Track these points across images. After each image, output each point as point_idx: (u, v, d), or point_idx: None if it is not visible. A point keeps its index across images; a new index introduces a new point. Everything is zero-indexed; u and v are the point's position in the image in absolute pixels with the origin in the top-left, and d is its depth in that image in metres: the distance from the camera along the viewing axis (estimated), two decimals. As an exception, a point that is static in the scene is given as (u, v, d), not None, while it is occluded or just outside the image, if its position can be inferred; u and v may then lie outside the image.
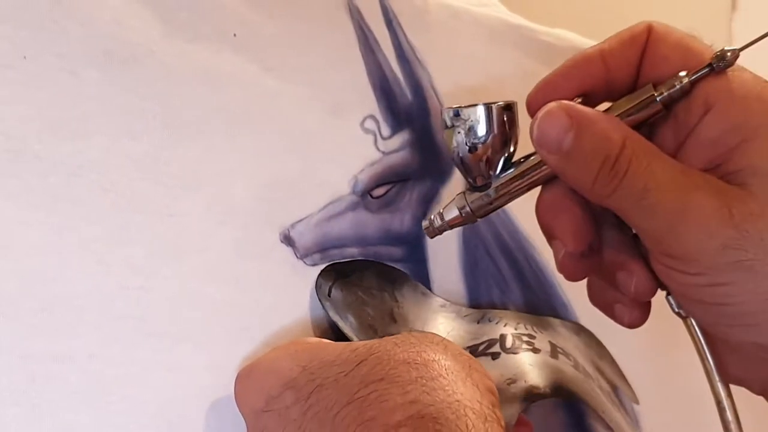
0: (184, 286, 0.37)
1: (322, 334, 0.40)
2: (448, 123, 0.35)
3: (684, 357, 0.54)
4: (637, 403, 0.50)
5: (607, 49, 0.34)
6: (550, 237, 0.35)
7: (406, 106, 0.45)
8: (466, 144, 0.34)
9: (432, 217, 0.37)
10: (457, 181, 0.47)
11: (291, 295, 0.40)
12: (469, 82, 0.49)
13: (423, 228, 0.38)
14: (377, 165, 0.43)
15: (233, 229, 0.38)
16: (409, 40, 0.46)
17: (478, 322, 0.44)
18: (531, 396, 0.38)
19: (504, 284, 0.48)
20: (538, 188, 0.35)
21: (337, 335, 0.40)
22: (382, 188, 0.44)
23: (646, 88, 0.32)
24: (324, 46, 0.43)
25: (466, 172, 0.35)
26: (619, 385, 0.48)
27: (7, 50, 0.34)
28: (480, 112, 0.34)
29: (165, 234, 0.36)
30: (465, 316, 0.44)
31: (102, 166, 0.35)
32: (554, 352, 0.43)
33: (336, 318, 0.39)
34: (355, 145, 0.43)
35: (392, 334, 0.39)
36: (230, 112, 0.39)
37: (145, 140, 0.37)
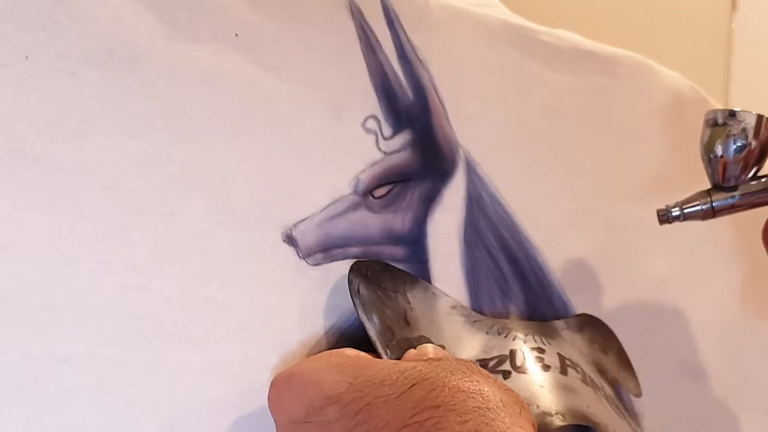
0: (186, 286, 0.36)
1: (326, 334, 0.40)
2: (720, 121, 0.38)
3: (684, 357, 0.54)
4: (639, 395, 0.50)
5: None
6: None
7: (408, 106, 0.45)
8: (733, 143, 0.37)
9: (668, 206, 0.41)
10: (459, 182, 0.47)
11: (293, 295, 0.39)
12: (470, 82, 0.49)
13: (657, 213, 0.41)
14: (379, 165, 0.43)
15: (235, 228, 0.38)
16: (411, 40, 0.46)
17: (487, 333, 0.44)
18: (543, 425, 0.38)
19: (505, 283, 0.48)
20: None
21: (340, 337, 0.40)
22: (384, 188, 0.44)
23: None
24: (325, 46, 0.43)
25: (718, 170, 0.38)
26: (621, 381, 0.48)
27: (8, 50, 0.34)
28: (755, 119, 0.37)
29: (166, 234, 0.36)
30: (474, 322, 0.44)
31: (103, 165, 0.35)
32: (563, 366, 0.43)
33: (363, 317, 0.39)
34: (356, 145, 0.43)
35: (407, 338, 0.39)
36: (231, 112, 0.39)
37: (146, 140, 0.37)
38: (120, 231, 0.35)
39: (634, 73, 0.56)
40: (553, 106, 0.52)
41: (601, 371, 0.46)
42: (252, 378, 0.37)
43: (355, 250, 0.42)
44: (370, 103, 0.44)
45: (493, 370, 0.41)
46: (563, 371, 0.42)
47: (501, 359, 0.42)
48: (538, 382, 0.40)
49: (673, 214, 0.41)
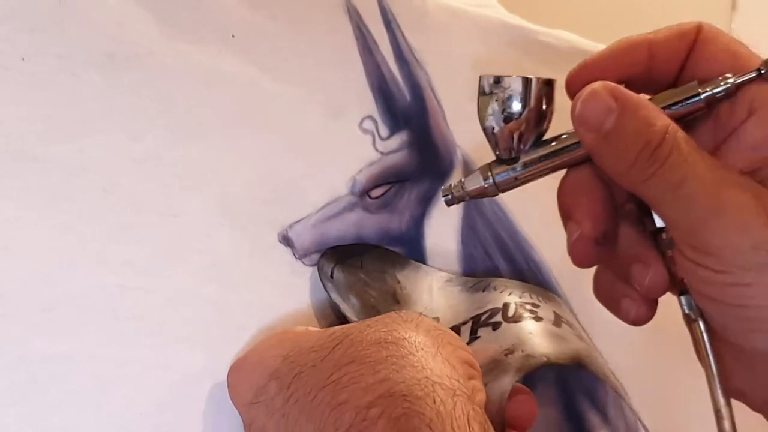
0: (184, 286, 0.37)
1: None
2: (486, 89, 0.34)
3: (682, 362, 0.54)
4: None
5: (654, 39, 0.33)
6: (566, 218, 0.35)
7: (405, 107, 0.45)
8: (502, 113, 0.33)
9: (452, 184, 0.36)
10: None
11: (290, 295, 0.40)
12: (467, 82, 0.49)
13: (441, 194, 0.36)
14: (375, 165, 0.44)
15: (232, 229, 0.39)
16: (408, 41, 0.46)
17: (483, 290, 0.44)
18: (527, 366, 0.37)
19: (502, 284, 0.48)
20: (562, 171, 0.35)
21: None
22: (381, 189, 0.44)
23: (692, 84, 0.32)
24: (323, 47, 0.43)
25: (495, 143, 0.34)
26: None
27: (8, 52, 0.34)
28: (521, 83, 0.33)
29: (165, 234, 0.37)
30: (470, 287, 0.44)
31: (102, 166, 0.36)
32: (558, 321, 0.42)
33: (338, 300, 0.38)
34: (353, 145, 0.43)
35: None
36: (229, 112, 0.40)
37: (145, 141, 0.37)
38: (119, 231, 0.36)
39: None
40: (550, 106, 0.52)
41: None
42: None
43: (351, 250, 0.42)
44: (367, 103, 0.44)
45: (485, 323, 0.41)
46: (557, 325, 0.41)
47: (493, 311, 0.41)
48: (528, 330, 0.40)
49: (456, 193, 0.35)
